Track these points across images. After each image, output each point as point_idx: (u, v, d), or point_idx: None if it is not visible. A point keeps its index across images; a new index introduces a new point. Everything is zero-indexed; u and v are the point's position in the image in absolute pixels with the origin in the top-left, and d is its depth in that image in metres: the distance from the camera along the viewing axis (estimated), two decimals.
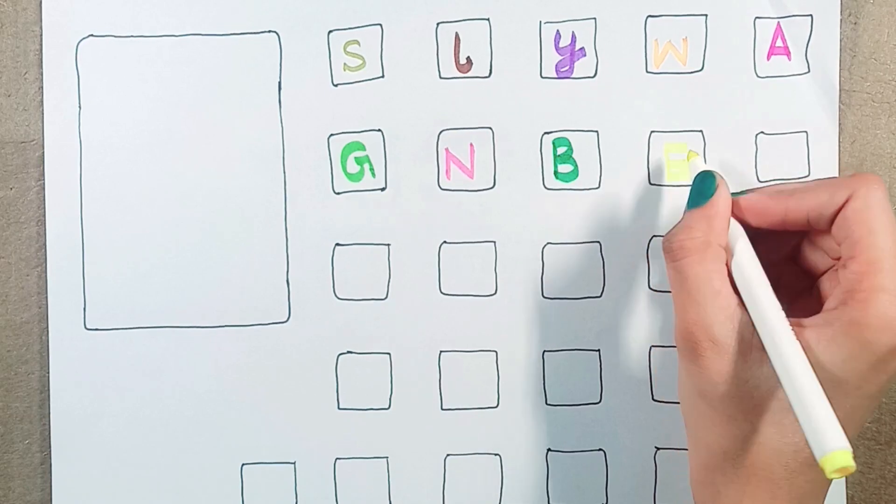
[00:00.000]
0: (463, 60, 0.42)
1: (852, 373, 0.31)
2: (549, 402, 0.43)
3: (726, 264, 0.34)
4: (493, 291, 0.42)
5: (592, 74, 0.42)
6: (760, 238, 0.35)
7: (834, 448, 0.28)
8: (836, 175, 0.42)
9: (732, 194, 0.36)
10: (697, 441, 0.35)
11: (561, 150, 0.42)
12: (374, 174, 0.42)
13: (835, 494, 0.43)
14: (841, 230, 0.33)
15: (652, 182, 0.42)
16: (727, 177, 0.42)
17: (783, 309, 0.32)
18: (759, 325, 0.32)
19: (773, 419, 0.32)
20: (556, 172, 0.42)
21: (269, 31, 0.42)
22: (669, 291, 0.42)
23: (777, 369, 0.31)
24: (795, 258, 0.37)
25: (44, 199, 0.41)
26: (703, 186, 0.35)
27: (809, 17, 0.42)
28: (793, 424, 0.32)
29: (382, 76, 0.42)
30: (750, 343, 0.32)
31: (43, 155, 0.41)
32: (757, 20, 0.42)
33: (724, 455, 0.33)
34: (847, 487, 0.43)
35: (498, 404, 0.43)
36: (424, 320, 0.42)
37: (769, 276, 0.34)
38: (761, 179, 0.42)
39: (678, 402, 0.42)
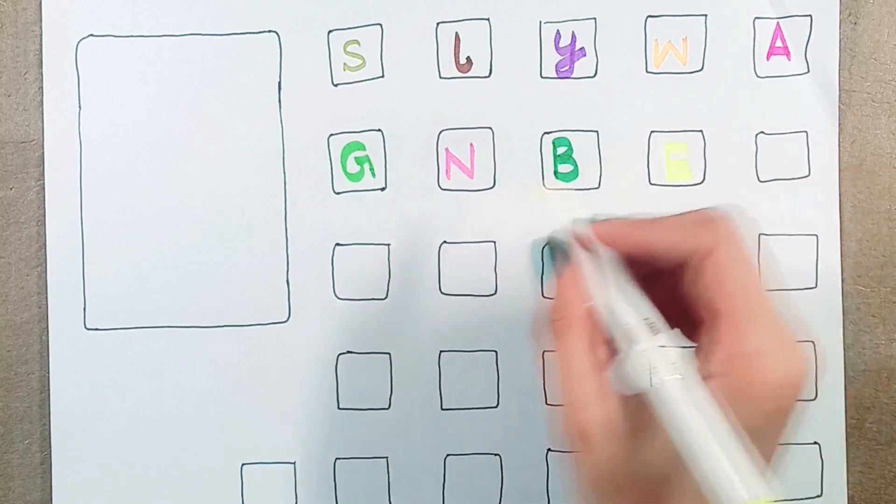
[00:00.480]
0: (463, 60, 0.42)
1: (744, 430, 0.28)
2: (549, 402, 0.43)
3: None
4: (493, 291, 0.42)
5: (592, 74, 0.42)
6: (633, 267, 0.32)
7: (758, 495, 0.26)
8: (836, 171, 0.42)
9: (592, 219, 0.32)
10: None
11: (561, 150, 0.42)
12: (374, 174, 0.42)
13: (835, 494, 0.43)
14: (709, 281, 0.29)
15: (652, 182, 0.42)
16: (726, 176, 0.42)
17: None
18: (652, 394, 0.28)
19: (670, 501, 0.29)
20: (556, 172, 0.42)
21: (269, 31, 0.42)
22: None
23: (671, 435, 0.27)
24: (675, 287, 0.33)
25: (44, 199, 0.41)
26: (554, 255, 0.33)
27: (809, 18, 0.42)
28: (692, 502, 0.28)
29: (382, 76, 0.42)
30: (627, 429, 0.29)
31: (43, 155, 0.41)
32: (756, 20, 0.42)
33: None
34: (847, 487, 0.43)
35: (498, 404, 0.43)
36: (424, 320, 0.42)
37: (657, 295, 0.30)
38: (761, 179, 0.42)
39: None
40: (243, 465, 0.42)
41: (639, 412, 0.29)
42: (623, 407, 0.29)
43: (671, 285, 0.31)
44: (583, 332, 0.30)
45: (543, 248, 0.34)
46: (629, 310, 0.30)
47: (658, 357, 0.28)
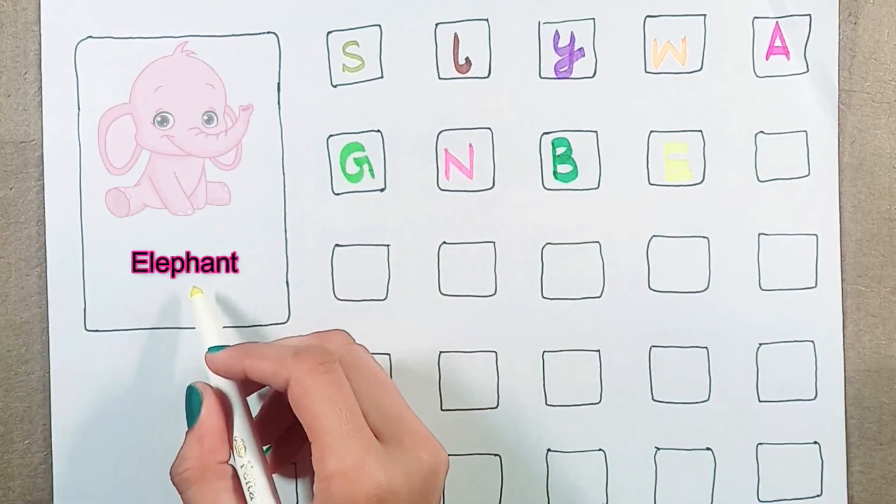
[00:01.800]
0: (462, 61, 0.42)
1: None
2: (548, 403, 0.43)
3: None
4: (493, 292, 0.42)
5: (591, 74, 0.42)
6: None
7: None
8: (837, 171, 0.42)
9: (211, 349, 0.36)
10: None
11: (560, 151, 0.42)
12: (373, 175, 0.42)
13: (835, 494, 0.43)
14: (295, 409, 0.32)
15: (651, 182, 0.42)
16: (725, 176, 0.42)
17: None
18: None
19: None
20: (555, 173, 0.42)
21: (268, 33, 0.42)
22: (669, 291, 0.42)
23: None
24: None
25: (43, 200, 0.41)
26: (190, 404, 0.35)
27: (808, 17, 0.42)
28: None
29: (381, 77, 0.42)
30: None
31: (42, 155, 0.41)
32: (756, 20, 0.42)
33: None
34: (848, 487, 0.43)
35: (498, 404, 0.43)
36: (424, 321, 0.42)
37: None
38: (761, 179, 0.42)
39: (678, 402, 0.43)
40: None
41: None
42: None
43: None
44: (223, 470, 0.34)
45: (185, 392, 0.36)
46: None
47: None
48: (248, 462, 0.34)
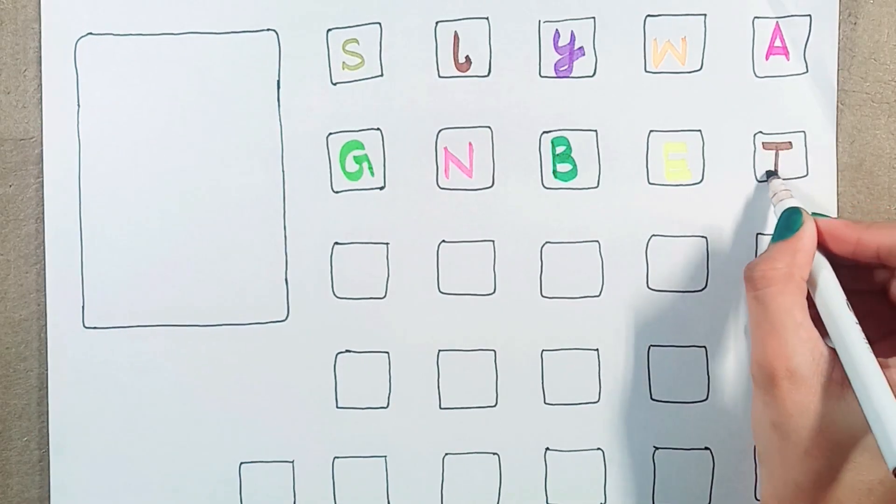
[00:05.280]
0: (462, 59, 0.42)
1: None
2: (547, 402, 0.43)
3: (809, 298, 0.34)
4: (492, 290, 0.42)
5: (591, 74, 0.42)
6: (849, 269, 0.35)
7: None
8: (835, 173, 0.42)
9: (812, 214, 0.36)
10: (771, 473, 0.35)
11: (560, 150, 0.42)
12: (372, 173, 0.42)
13: None
14: None
15: (651, 181, 0.42)
16: (724, 176, 0.42)
17: (869, 343, 0.33)
18: (842, 355, 0.32)
19: (850, 456, 0.32)
20: (554, 172, 0.42)
21: (268, 30, 0.42)
22: (668, 290, 0.42)
23: (858, 394, 0.31)
24: (885, 293, 0.37)
25: (42, 197, 0.41)
26: (790, 221, 0.36)
27: (808, 17, 0.42)
28: (868, 463, 0.32)
29: (381, 75, 0.42)
30: (829, 378, 0.32)
31: (42, 152, 0.41)
32: (756, 20, 0.42)
33: (797, 489, 0.33)
34: None
35: (496, 403, 0.43)
36: (423, 319, 0.42)
37: (857, 308, 0.34)
38: (760, 179, 0.42)
39: (676, 402, 0.42)
40: (241, 463, 0.42)
41: (833, 372, 0.33)
42: (832, 360, 0.33)
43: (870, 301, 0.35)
44: (804, 287, 0.34)
45: (783, 212, 0.37)
46: (840, 303, 0.34)
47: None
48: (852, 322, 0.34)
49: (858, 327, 0.33)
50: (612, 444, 0.43)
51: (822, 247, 0.36)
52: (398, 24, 0.42)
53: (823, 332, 0.34)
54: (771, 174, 0.41)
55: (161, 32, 0.41)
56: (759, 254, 0.42)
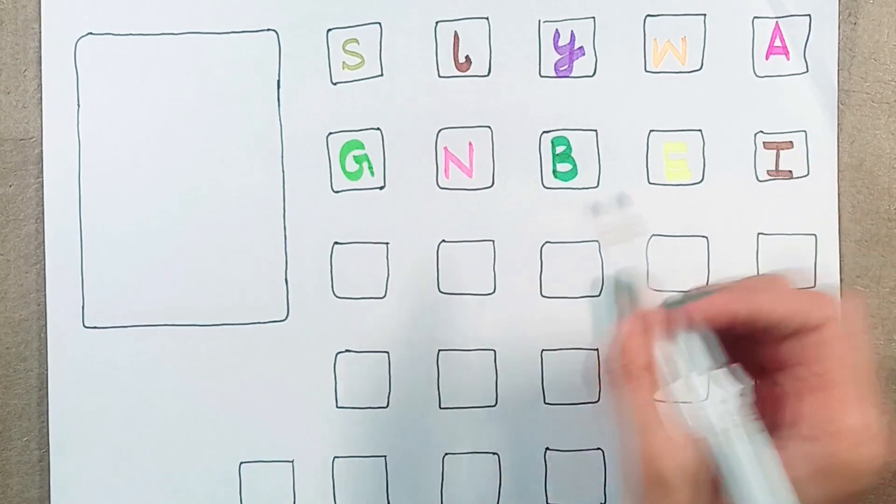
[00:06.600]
0: (462, 59, 0.42)
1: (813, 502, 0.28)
2: (547, 401, 0.43)
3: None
4: (492, 290, 0.42)
5: (591, 73, 0.42)
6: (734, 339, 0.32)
7: None
8: (836, 172, 0.42)
9: (668, 304, 0.32)
10: None
11: (560, 149, 0.42)
12: (372, 173, 0.42)
13: None
14: (815, 354, 0.29)
15: (651, 181, 0.42)
16: (724, 176, 0.42)
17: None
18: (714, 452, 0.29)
19: None
20: (554, 171, 0.42)
21: (268, 30, 0.42)
22: (668, 291, 0.42)
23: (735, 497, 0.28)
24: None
25: (42, 197, 0.41)
26: (628, 297, 0.33)
27: (808, 17, 0.42)
28: None
29: (381, 75, 0.42)
30: (700, 481, 0.29)
31: (42, 152, 0.41)
32: (755, 20, 0.42)
33: None
34: None
35: (496, 403, 0.43)
36: (423, 319, 0.42)
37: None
38: (760, 179, 0.42)
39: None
40: (242, 463, 0.42)
41: (704, 472, 0.29)
42: (700, 455, 0.29)
43: (743, 350, 0.31)
44: (653, 380, 0.30)
45: (616, 288, 0.33)
46: (692, 359, 0.30)
47: (720, 409, 0.29)
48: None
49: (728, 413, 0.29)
50: (612, 444, 0.43)
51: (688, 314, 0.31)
52: (398, 24, 0.42)
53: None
54: (620, 200, 0.35)
55: (161, 32, 0.41)
56: (759, 254, 0.42)
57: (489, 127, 0.42)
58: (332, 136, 0.42)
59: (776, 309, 0.30)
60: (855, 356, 0.29)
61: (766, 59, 0.42)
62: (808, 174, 0.42)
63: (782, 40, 0.42)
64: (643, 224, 0.33)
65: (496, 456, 0.43)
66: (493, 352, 0.42)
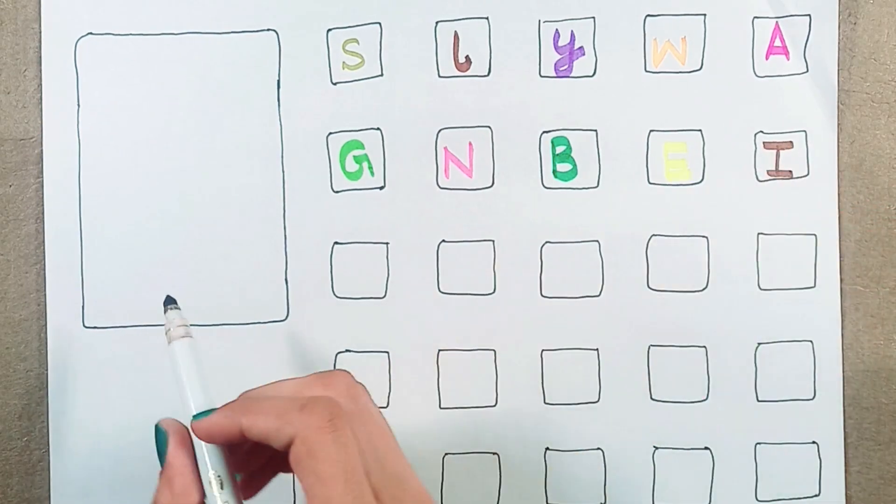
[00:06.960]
0: (462, 59, 0.42)
1: None
2: (547, 401, 0.43)
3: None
4: (492, 290, 0.42)
5: (591, 73, 0.42)
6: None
7: None
8: (836, 171, 0.42)
9: (197, 416, 0.32)
10: None
11: (560, 149, 0.42)
12: (372, 173, 0.42)
13: (833, 494, 0.43)
14: (297, 467, 0.30)
15: (651, 181, 0.42)
16: (724, 176, 0.42)
17: None
18: None
19: None
20: (554, 171, 0.42)
21: (268, 30, 0.42)
22: (668, 290, 0.42)
23: None
24: None
25: (42, 197, 0.41)
26: (158, 444, 0.33)
27: (808, 17, 0.42)
28: None
29: (381, 75, 0.42)
30: None
31: (42, 152, 0.41)
32: (755, 20, 0.42)
33: None
34: (846, 487, 0.43)
35: (496, 403, 0.43)
36: (423, 319, 0.42)
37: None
38: (760, 179, 0.42)
39: (676, 402, 0.43)
40: None
41: None
42: None
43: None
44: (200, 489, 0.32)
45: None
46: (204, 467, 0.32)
47: None
48: (227, 502, 0.32)
49: None
50: (611, 443, 0.43)
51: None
52: (398, 24, 0.42)
53: None
54: (168, 304, 0.35)
55: (161, 32, 0.41)
56: (759, 254, 0.42)
57: (489, 127, 0.42)
58: (332, 136, 0.42)
59: (255, 426, 0.31)
60: (329, 472, 0.29)
61: (766, 59, 0.42)
62: (808, 174, 0.43)
63: (782, 40, 0.42)
64: (188, 330, 0.34)
65: (496, 456, 0.43)
66: (493, 352, 0.42)
